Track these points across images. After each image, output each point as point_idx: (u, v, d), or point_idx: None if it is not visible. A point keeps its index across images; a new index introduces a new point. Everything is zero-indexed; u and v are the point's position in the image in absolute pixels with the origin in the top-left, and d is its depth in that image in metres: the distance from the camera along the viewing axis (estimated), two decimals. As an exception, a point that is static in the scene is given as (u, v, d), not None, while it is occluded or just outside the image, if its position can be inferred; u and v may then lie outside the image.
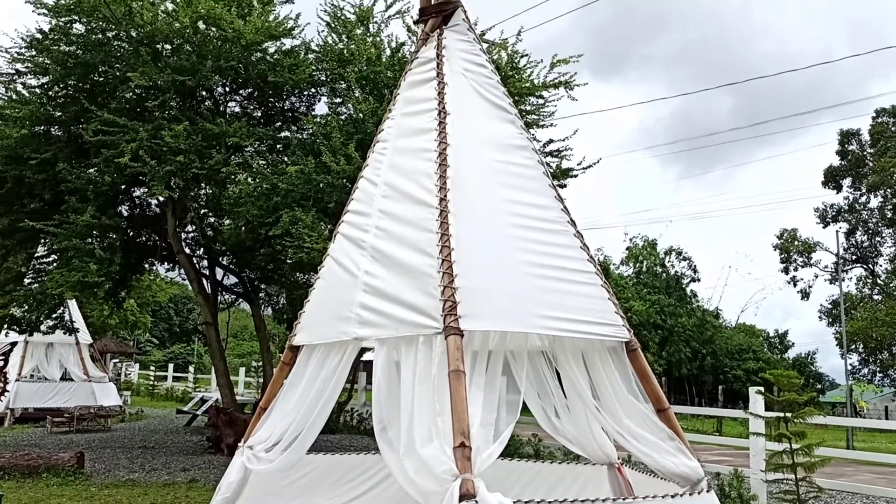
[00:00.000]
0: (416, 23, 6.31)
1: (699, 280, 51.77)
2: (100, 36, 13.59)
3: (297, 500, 5.68)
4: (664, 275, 49.94)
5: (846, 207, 48.09)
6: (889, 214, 45.55)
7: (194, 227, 17.10)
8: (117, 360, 42.90)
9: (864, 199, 47.47)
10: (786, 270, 49.50)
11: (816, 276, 49.02)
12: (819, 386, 54.71)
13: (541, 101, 14.19)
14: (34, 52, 13.87)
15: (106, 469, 13.24)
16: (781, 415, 9.36)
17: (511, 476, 6.03)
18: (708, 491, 4.23)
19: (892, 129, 44.18)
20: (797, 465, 8.98)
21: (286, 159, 13.45)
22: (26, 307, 15.81)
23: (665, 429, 4.45)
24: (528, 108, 14.05)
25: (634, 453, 4.50)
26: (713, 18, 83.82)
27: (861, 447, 22.72)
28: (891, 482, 13.02)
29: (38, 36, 13.77)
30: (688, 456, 4.37)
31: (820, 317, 50.08)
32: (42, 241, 15.53)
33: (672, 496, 4.05)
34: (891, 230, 46.58)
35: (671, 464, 4.34)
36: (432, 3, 5.49)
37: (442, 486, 3.38)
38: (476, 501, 3.28)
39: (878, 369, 48.27)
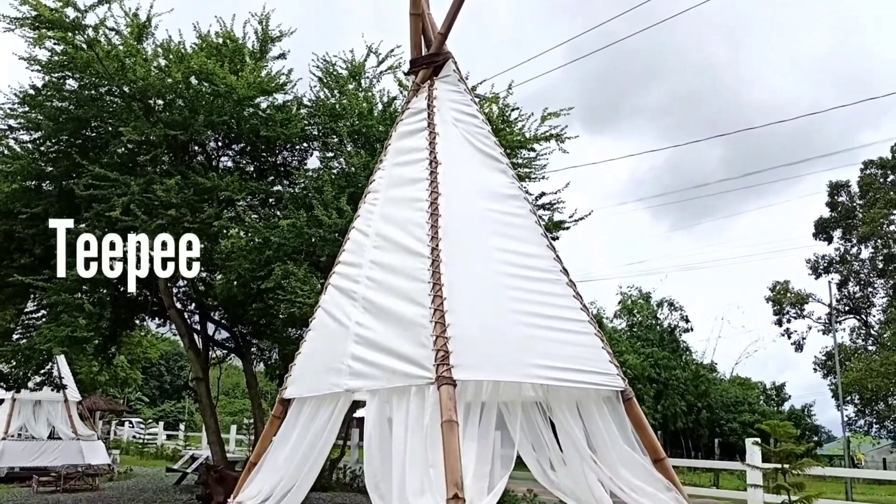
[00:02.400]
0: (406, 74, 6.37)
1: (692, 330, 51.52)
2: (92, 91, 13.64)
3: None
4: (657, 327, 49.75)
5: (837, 259, 48.24)
6: (880, 265, 45.72)
7: (185, 282, 17.00)
8: (106, 419, 42.34)
9: (854, 250, 47.67)
10: (779, 322, 49.34)
11: (810, 328, 48.82)
12: (816, 438, 54.18)
13: (532, 154, 14.31)
14: (27, 108, 13.90)
15: (92, 530, 12.95)
16: (779, 466, 9.23)
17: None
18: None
19: (881, 180, 44.60)
20: (797, 517, 8.84)
21: (278, 213, 13.47)
22: (14, 363, 15.60)
23: (662, 479, 4.37)
24: (520, 161, 14.15)
25: (632, 506, 4.39)
26: (702, 70, 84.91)
27: (860, 499, 22.43)
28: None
29: (31, 92, 13.82)
30: (686, 508, 4.28)
31: (815, 368, 49.84)
32: (32, 296, 15.40)
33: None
34: (882, 281, 46.67)
35: (669, 516, 4.25)
36: (423, 54, 5.53)
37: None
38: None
39: (874, 420, 47.89)
